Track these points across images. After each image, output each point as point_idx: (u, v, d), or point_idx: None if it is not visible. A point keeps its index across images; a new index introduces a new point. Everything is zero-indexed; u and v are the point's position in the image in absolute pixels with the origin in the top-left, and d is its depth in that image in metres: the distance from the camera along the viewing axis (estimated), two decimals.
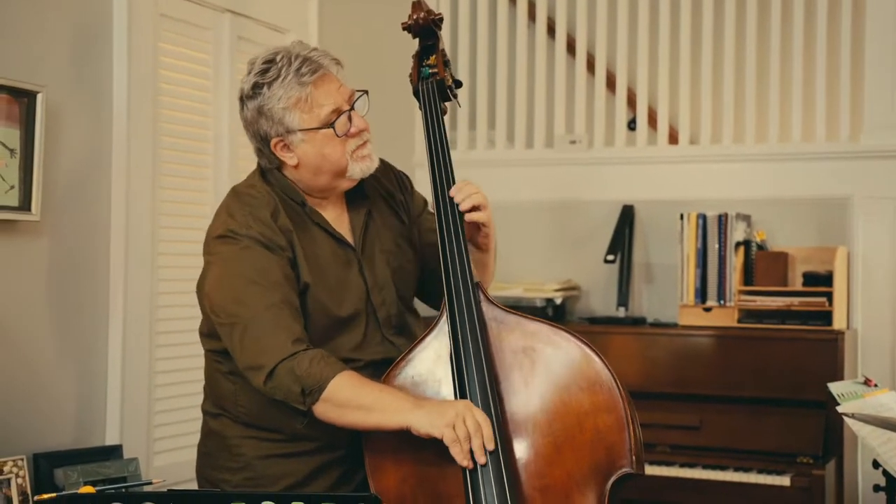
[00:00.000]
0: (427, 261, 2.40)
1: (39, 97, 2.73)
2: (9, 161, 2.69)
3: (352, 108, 2.20)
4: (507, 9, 4.64)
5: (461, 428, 1.97)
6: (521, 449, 2.06)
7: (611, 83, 4.56)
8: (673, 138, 4.45)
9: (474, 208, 2.22)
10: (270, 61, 2.18)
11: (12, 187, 2.70)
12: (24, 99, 2.71)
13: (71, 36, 2.92)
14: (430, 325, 2.20)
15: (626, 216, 4.27)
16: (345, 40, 4.03)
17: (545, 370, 2.10)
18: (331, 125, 2.18)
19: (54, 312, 2.87)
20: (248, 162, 3.49)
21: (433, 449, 2.02)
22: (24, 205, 2.72)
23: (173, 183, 3.27)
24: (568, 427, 2.06)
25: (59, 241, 2.88)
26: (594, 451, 2.04)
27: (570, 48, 4.61)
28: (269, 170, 2.26)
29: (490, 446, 1.99)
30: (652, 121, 4.50)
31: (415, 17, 2.33)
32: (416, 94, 2.36)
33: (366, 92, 2.25)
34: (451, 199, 2.22)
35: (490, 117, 4.69)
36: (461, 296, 2.14)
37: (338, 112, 2.19)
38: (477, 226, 2.26)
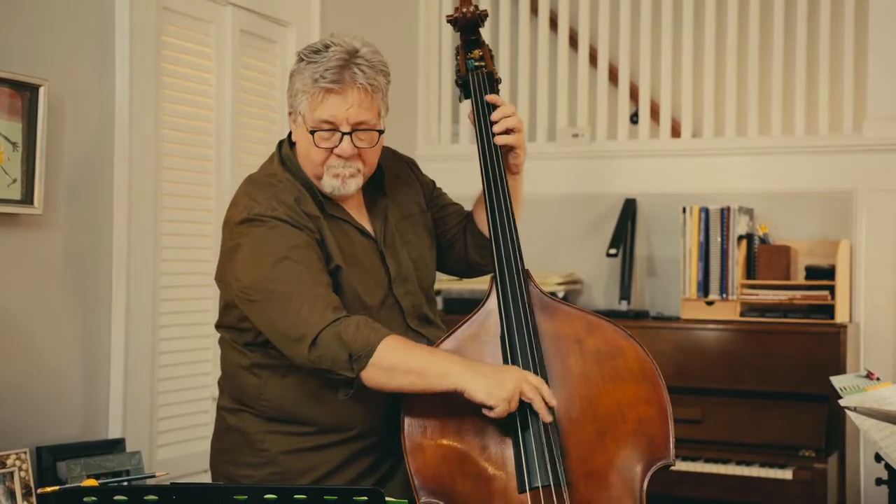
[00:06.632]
0: (447, 229, 2.46)
1: (42, 90, 2.73)
2: (11, 154, 2.69)
3: (350, 133, 2.15)
4: (509, 2, 4.63)
5: (516, 404, 2.00)
6: (564, 434, 2.07)
7: (613, 76, 4.56)
8: (675, 131, 4.45)
9: (508, 131, 2.31)
10: (325, 47, 2.17)
11: (15, 181, 2.70)
12: (26, 92, 2.71)
13: (73, 29, 2.92)
14: (449, 321, 2.23)
15: (629, 209, 4.27)
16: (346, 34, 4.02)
17: (590, 359, 2.12)
18: (312, 132, 2.16)
19: (57, 306, 2.87)
20: (249, 155, 3.50)
21: (474, 427, 2.04)
22: (27, 198, 2.72)
23: (176, 176, 3.27)
24: (611, 416, 2.08)
25: (62, 235, 2.88)
26: (636, 441, 2.06)
27: (573, 41, 4.61)
28: (288, 157, 2.26)
29: (552, 402, 2.02)
30: (654, 114, 4.49)
31: (463, 10, 2.39)
32: (462, 84, 2.41)
33: (380, 131, 2.20)
34: (500, 180, 2.29)
35: None
36: (513, 281, 2.16)
37: (330, 125, 2.15)
38: (510, 147, 2.33)
